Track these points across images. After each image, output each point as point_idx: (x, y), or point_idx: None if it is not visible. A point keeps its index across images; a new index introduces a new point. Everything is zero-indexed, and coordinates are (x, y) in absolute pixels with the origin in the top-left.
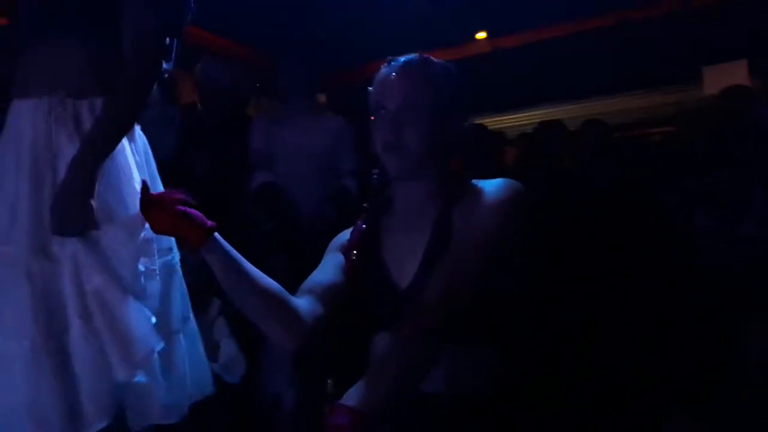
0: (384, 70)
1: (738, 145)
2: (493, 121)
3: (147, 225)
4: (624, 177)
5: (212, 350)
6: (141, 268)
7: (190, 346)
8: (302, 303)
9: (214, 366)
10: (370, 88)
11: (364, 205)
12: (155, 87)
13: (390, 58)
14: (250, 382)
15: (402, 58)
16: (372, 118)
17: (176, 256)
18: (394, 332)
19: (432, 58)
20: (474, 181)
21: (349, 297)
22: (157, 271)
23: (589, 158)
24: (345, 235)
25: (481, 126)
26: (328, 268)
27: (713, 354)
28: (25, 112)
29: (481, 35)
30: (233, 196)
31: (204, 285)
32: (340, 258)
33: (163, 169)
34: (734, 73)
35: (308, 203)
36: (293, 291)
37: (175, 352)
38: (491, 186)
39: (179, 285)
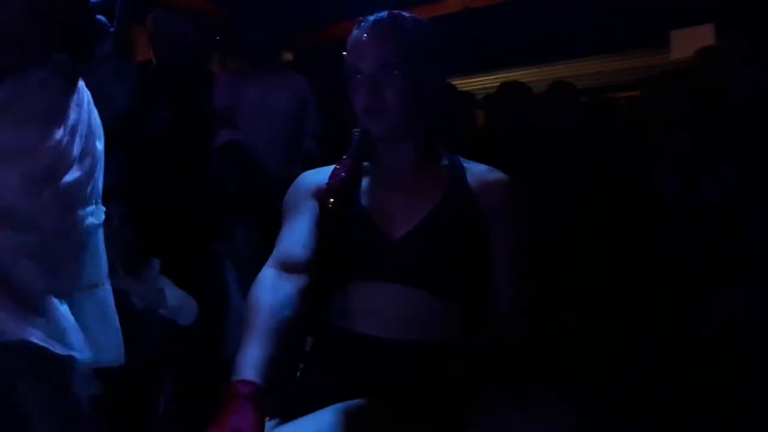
0: (355, 32)
1: (704, 111)
2: (462, 83)
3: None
4: (591, 141)
5: (157, 297)
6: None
7: (95, 312)
8: (302, 283)
9: (164, 311)
10: (344, 53)
11: (344, 156)
12: (106, 43)
13: (360, 18)
14: (214, 342)
15: (372, 17)
16: (349, 82)
17: (100, 214)
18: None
19: (403, 13)
20: (462, 159)
21: (326, 247)
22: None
23: (556, 121)
24: (311, 177)
25: (451, 86)
26: (309, 224)
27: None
28: None
29: None
30: (194, 155)
31: (131, 245)
32: (315, 206)
33: (119, 128)
34: (702, 37)
35: (272, 163)
36: (258, 258)
37: (58, 309)
38: (494, 174)
39: (94, 248)
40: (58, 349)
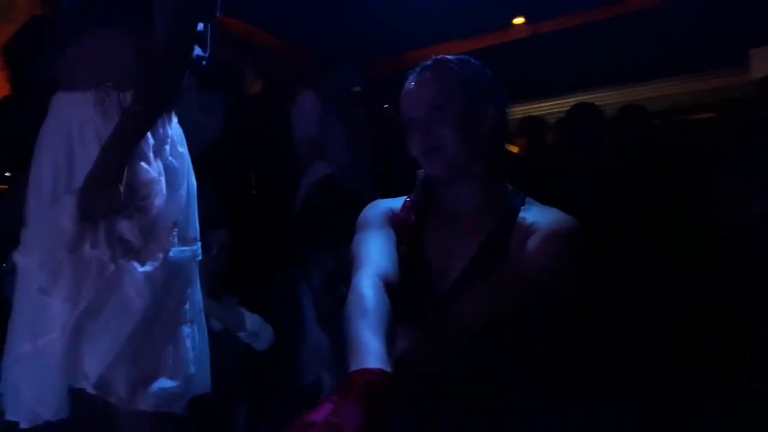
0: (406, 82)
1: None
2: (533, 108)
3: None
4: (664, 164)
5: (238, 321)
6: (171, 255)
7: (199, 338)
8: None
9: (242, 335)
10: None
11: (412, 197)
12: (189, 73)
13: (410, 71)
14: (290, 367)
15: (419, 67)
16: (405, 130)
17: (200, 247)
18: (432, 324)
19: (448, 57)
20: (530, 200)
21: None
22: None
23: (628, 145)
24: (385, 204)
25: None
26: (388, 251)
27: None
28: (70, 104)
29: (519, 21)
30: (272, 180)
31: (225, 275)
32: (393, 235)
33: (204, 159)
34: None
35: (354, 192)
36: (332, 285)
37: (183, 342)
38: (553, 216)
39: (196, 278)
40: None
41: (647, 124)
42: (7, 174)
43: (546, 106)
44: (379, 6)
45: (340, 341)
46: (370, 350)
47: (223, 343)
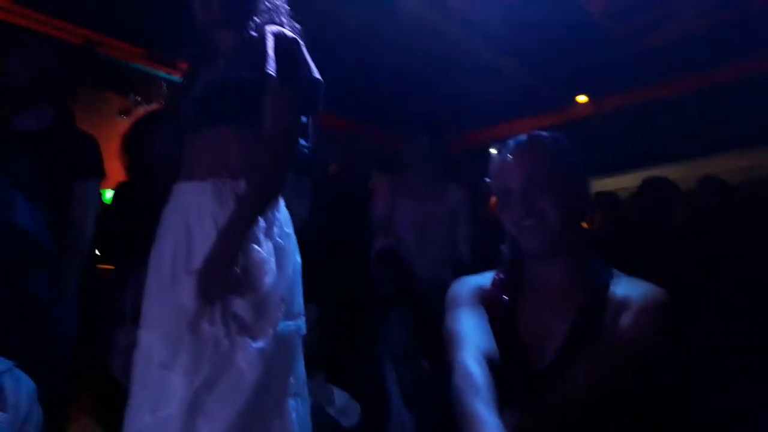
0: (498, 156)
1: None
2: (601, 184)
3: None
4: (752, 238)
5: (327, 397)
6: (279, 329)
7: (303, 410)
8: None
9: (331, 410)
10: (487, 179)
11: (501, 275)
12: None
13: (499, 145)
14: None
15: (512, 141)
16: (496, 202)
17: (304, 321)
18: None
19: (541, 132)
20: (616, 271)
21: None
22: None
23: (710, 219)
24: (473, 281)
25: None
26: (485, 329)
27: None
28: (191, 192)
29: (582, 99)
30: (357, 262)
31: (315, 351)
32: (484, 314)
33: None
34: None
35: (427, 268)
36: (412, 356)
37: (290, 415)
38: (643, 289)
39: (301, 349)
40: None
41: (727, 196)
42: (109, 255)
43: (614, 182)
44: (445, 88)
45: (424, 420)
46: (491, 426)
47: (313, 419)
